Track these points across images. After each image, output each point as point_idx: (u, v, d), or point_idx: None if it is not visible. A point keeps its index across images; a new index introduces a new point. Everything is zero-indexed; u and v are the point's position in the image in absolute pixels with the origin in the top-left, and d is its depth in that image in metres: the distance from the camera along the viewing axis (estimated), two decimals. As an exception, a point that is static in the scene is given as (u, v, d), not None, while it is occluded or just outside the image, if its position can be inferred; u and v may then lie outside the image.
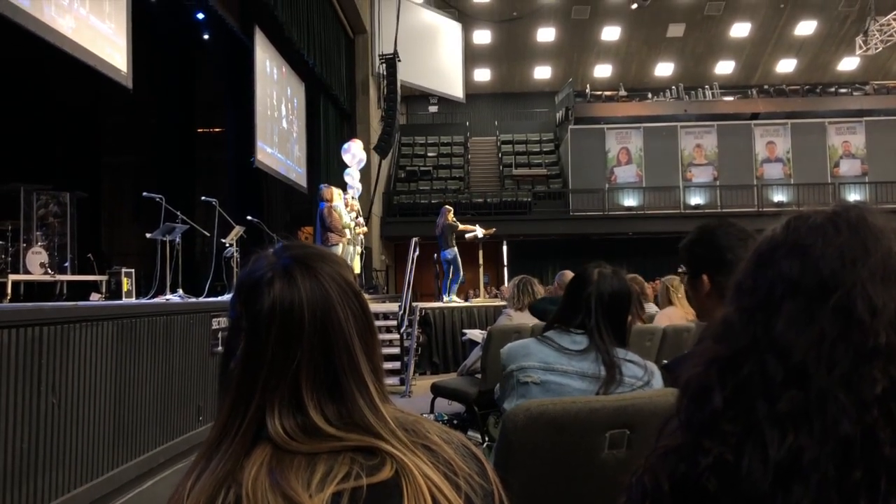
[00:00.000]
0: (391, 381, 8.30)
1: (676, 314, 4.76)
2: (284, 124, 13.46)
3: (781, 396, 0.62)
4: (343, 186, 12.43)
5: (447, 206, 11.98)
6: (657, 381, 2.04)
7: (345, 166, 13.31)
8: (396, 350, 9.03)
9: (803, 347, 0.62)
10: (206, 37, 12.96)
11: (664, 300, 5.00)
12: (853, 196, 21.34)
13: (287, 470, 0.82)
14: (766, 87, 25.54)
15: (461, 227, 11.65)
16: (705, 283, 1.86)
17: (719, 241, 1.84)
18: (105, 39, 7.13)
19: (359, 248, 12.00)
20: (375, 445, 0.86)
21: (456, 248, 11.47)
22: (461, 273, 11.64)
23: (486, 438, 4.65)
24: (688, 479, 0.65)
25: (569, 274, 6.17)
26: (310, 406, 0.87)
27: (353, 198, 12.27)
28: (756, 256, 0.71)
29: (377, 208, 19.10)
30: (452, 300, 11.36)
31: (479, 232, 12.19)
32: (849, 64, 26.61)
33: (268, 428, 0.86)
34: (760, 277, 0.69)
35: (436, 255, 12.30)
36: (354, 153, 12.94)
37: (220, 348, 5.62)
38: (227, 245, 8.21)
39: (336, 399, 0.89)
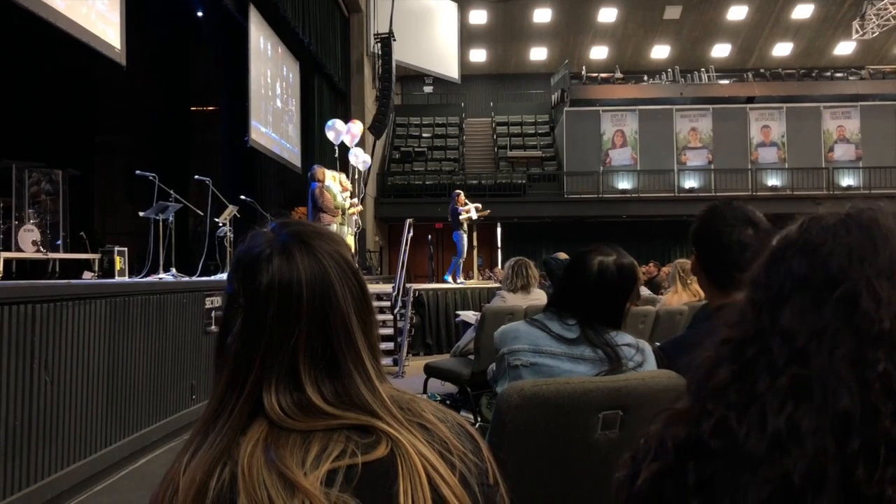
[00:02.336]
0: (384, 361, 8.31)
1: (674, 299, 4.75)
2: (279, 103, 13.38)
3: (784, 373, 0.64)
4: (339, 167, 12.36)
5: (458, 191, 12.28)
6: (650, 360, 2.03)
7: (342, 146, 13.23)
8: (390, 331, 9.05)
9: (808, 333, 0.64)
10: (199, 14, 12.84)
11: (673, 283, 4.99)
12: (847, 181, 21.39)
13: (282, 447, 0.82)
14: (762, 70, 25.48)
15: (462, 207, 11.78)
16: (695, 262, 2.00)
17: (710, 223, 1.94)
18: (98, 16, 7.06)
19: (353, 229, 11.96)
20: (371, 424, 0.85)
21: (461, 231, 11.74)
22: (460, 255, 11.75)
23: (479, 419, 4.67)
24: (690, 437, 0.68)
25: (563, 256, 6.19)
26: (307, 383, 0.87)
27: (348, 174, 12.24)
28: (770, 254, 0.74)
29: (371, 189, 19.06)
30: (460, 282, 11.50)
31: (473, 213, 12.21)
32: (845, 48, 26.58)
33: (264, 404, 0.86)
34: (773, 274, 0.71)
35: (430, 236, 12.31)
36: (338, 132, 12.81)
37: (213, 327, 5.63)
38: (221, 224, 8.18)
39: (333, 377, 0.88)
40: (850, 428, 0.59)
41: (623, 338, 2.03)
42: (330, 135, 12.77)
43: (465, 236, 11.84)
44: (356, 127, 13.27)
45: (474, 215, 12.18)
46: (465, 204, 11.85)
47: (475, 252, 13.51)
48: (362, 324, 0.91)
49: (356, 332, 0.90)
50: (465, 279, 12.14)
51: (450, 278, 11.68)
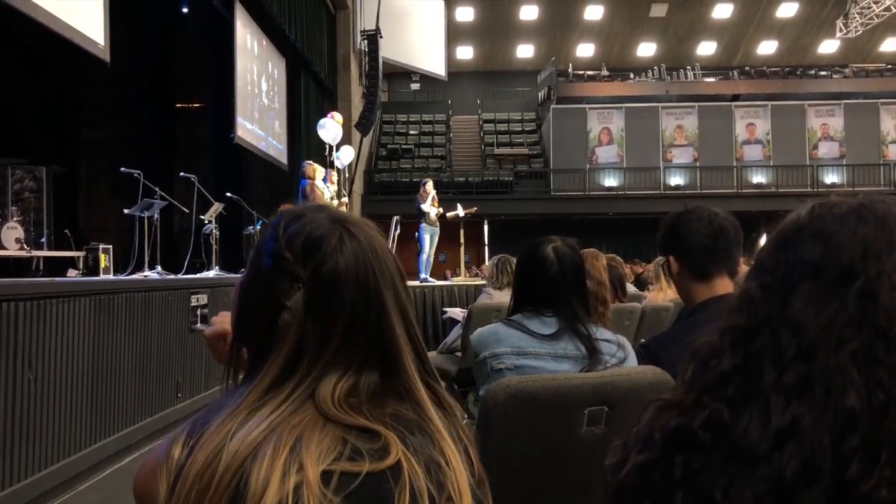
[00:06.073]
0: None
1: (659, 296, 4.77)
2: (265, 100, 13.32)
3: (790, 369, 0.62)
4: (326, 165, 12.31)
5: (425, 180, 11.99)
6: (631, 356, 2.04)
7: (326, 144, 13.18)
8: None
9: (817, 326, 0.62)
10: (184, 10, 12.77)
11: (658, 280, 5.01)
12: (831, 178, 21.54)
13: (308, 438, 0.79)
14: (747, 68, 25.59)
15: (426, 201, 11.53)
16: (673, 264, 2.08)
17: (678, 222, 2.06)
18: (81, 11, 7.00)
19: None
20: (378, 430, 0.83)
21: (423, 224, 11.42)
22: (421, 251, 11.56)
23: (466, 416, 4.68)
24: (680, 429, 0.66)
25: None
26: (356, 376, 0.86)
27: (336, 171, 12.17)
28: (780, 237, 0.71)
29: (358, 186, 19.01)
30: (422, 278, 11.35)
31: (461, 211, 12.18)
32: (829, 46, 26.74)
33: (317, 394, 0.83)
34: (782, 258, 0.69)
35: (417, 233, 12.27)
36: (330, 130, 12.75)
37: (199, 325, 5.60)
38: (206, 222, 8.15)
39: (383, 371, 0.88)
40: (854, 426, 0.58)
41: (603, 333, 2.04)
42: (322, 133, 12.73)
43: (430, 231, 11.40)
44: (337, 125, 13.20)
45: (461, 213, 12.15)
46: (430, 194, 11.35)
47: (462, 249, 13.48)
48: (401, 310, 0.91)
49: (398, 320, 0.90)
50: (446, 277, 12.01)
51: (426, 276, 11.55)
